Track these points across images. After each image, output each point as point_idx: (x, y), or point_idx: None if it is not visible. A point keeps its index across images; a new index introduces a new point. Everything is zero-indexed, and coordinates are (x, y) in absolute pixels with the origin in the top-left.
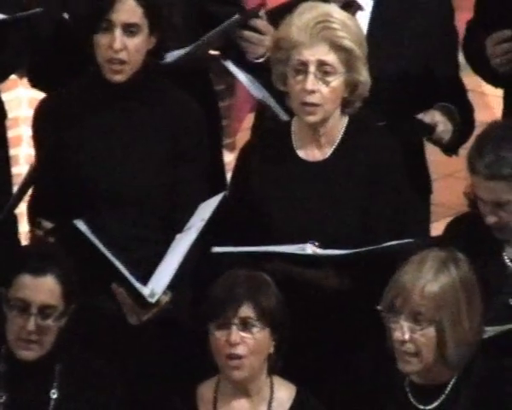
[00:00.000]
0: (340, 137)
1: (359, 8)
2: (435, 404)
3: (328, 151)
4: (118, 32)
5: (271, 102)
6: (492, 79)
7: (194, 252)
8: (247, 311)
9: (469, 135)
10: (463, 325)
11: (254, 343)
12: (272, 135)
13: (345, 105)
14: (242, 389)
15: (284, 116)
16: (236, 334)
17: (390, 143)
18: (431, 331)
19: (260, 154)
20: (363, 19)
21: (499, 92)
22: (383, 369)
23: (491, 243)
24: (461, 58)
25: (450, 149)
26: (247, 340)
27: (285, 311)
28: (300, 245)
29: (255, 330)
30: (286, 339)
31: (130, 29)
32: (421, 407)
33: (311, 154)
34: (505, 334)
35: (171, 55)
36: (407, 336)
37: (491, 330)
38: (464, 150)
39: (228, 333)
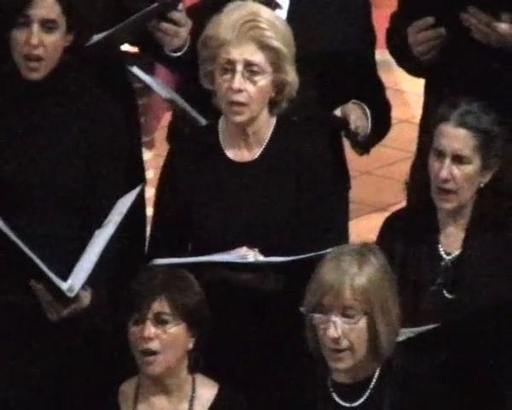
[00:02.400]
0: (269, 137)
1: (278, 6)
2: (361, 401)
3: (256, 152)
4: (35, 28)
5: (184, 104)
6: (416, 69)
7: (113, 246)
8: (161, 306)
9: (385, 133)
10: (391, 311)
11: (169, 339)
12: (199, 135)
13: (272, 105)
14: (162, 386)
15: (200, 119)
16: (150, 329)
17: (316, 143)
18: (363, 323)
19: (187, 156)
20: (281, 17)
21: (417, 90)
22: (306, 371)
23: (427, 235)
24: (379, 56)
25: (363, 147)
26: (161, 335)
27: (205, 307)
28: (241, 253)
29: (169, 325)
30: (206, 336)
31: (47, 25)
32: (347, 404)
33: (239, 154)
34: (421, 334)
35: (92, 40)
36: (340, 332)
37: (407, 332)
38: (382, 147)
39: (142, 328)
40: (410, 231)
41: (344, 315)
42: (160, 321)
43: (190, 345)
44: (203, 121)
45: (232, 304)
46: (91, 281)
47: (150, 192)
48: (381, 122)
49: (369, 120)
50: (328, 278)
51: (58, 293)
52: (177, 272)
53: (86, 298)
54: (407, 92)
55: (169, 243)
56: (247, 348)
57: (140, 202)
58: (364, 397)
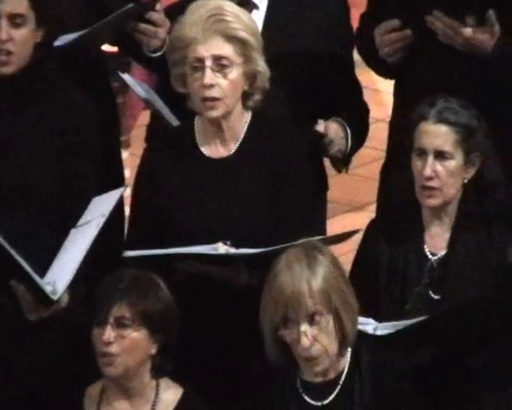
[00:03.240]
0: (244, 132)
1: (254, 6)
2: (331, 398)
3: (232, 147)
4: (3, 23)
5: (160, 105)
6: (383, 70)
7: (94, 247)
8: (121, 310)
9: (364, 139)
10: (350, 300)
11: (128, 343)
12: (175, 134)
13: (245, 98)
14: (124, 390)
15: (173, 121)
16: (109, 332)
17: (292, 139)
18: (331, 323)
19: (164, 154)
20: (259, 18)
21: (392, 89)
22: (274, 373)
23: (412, 236)
24: (356, 55)
25: (342, 164)
26: (120, 339)
27: (171, 315)
28: (212, 245)
29: (129, 330)
30: (171, 342)
31: (15, 20)
32: (318, 403)
33: (215, 150)
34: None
35: (64, 38)
36: (311, 339)
37: (389, 326)
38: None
39: (102, 331)
40: (395, 232)
41: (311, 322)
42: (119, 325)
43: (153, 350)
44: (176, 123)
45: (206, 301)
46: (72, 282)
47: (127, 191)
48: (360, 133)
49: (349, 139)
50: (286, 291)
51: (40, 295)
52: (144, 276)
53: (65, 298)
54: (384, 92)
55: (146, 241)
56: (218, 346)
57: (119, 201)
58: (334, 394)
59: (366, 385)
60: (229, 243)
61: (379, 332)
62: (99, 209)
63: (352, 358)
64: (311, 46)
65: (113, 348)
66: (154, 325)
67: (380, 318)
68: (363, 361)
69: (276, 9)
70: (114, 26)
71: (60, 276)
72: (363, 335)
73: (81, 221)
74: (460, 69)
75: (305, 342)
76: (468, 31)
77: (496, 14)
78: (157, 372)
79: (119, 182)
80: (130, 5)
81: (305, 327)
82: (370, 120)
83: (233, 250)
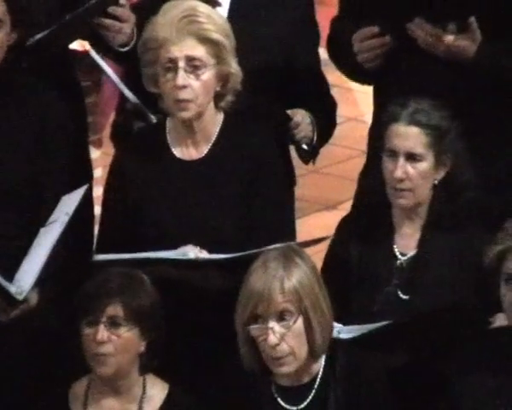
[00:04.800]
0: (217, 134)
1: (217, 4)
2: (306, 402)
3: (204, 149)
4: None
5: (133, 98)
6: (359, 75)
7: (61, 247)
8: (115, 309)
9: (331, 133)
10: (323, 308)
11: (121, 342)
12: (147, 135)
13: (218, 99)
14: (112, 388)
15: (151, 116)
16: (103, 332)
17: (263, 140)
18: (299, 324)
19: (135, 155)
20: (222, 15)
21: (364, 88)
22: (250, 377)
23: (383, 236)
24: (326, 54)
25: (309, 155)
26: (114, 338)
27: (159, 312)
28: (182, 250)
29: (123, 329)
30: (159, 339)
31: None
32: (294, 407)
33: (187, 153)
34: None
35: (35, 38)
36: (279, 338)
37: (360, 329)
38: (331, 145)
39: (95, 331)
40: (365, 231)
41: (280, 320)
42: (113, 325)
43: (142, 348)
44: (153, 119)
45: (181, 303)
46: (38, 281)
47: (99, 191)
48: (327, 127)
49: (315, 130)
50: (258, 286)
51: (6, 295)
52: (132, 274)
53: (33, 298)
54: (355, 90)
55: (117, 242)
56: (196, 348)
57: (88, 200)
58: (309, 399)
59: (341, 390)
60: (198, 247)
61: (343, 336)
62: (65, 208)
63: (326, 362)
64: (274, 42)
65: (107, 348)
66: (145, 323)
67: (349, 318)
68: (339, 365)
69: (238, 6)
70: (80, 22)
71: (25, 276)
72: (338, 339)
73: (49, 220)
74: (440, 75)
75: (272, 338)
76: (449, 37)
77: (476, 20)
78: (144, 369)
79: (87, 180)
80: (93, 0)
81: (273, 324)
82: (342, 119)
83: (202, 255)
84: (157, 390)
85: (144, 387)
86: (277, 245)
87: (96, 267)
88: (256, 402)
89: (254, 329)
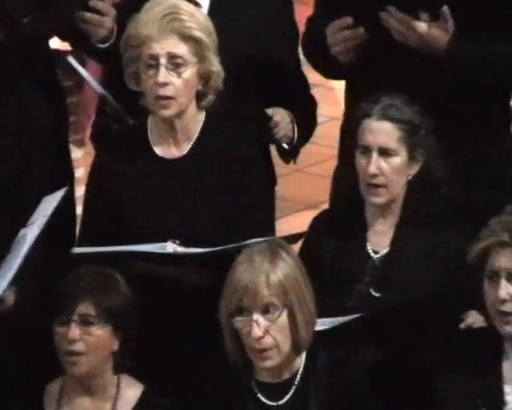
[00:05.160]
0: (198, 132)
1: (197, 4)
2: (286, 398)
3: (185, 148)
4: None
5: (112, 102)
6: (333, 70)
7: (38, 247)
8: (86, 308)
9: (311, 132)
10: (308, 304)
11: (93, 340)
12: (128, 133)
13: (199, 98)
14: (86, 387)
15: (127, 118)
16: (75, 330)
17: (245, 139)
18: (284, 318)
19: (116, 154)
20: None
21: None
22: (230, 371)
23: (356, 233)
24: None
25: (290, 154)
26: (85, 337)
27: (133, 310)
28: (161, 244)
29: (94, 327)
30: (132, 337)
31: None
32: (273, 403)
33: (168, 151)
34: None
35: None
36: (263, 330)
37: (331, 322)
38: (313, 145)
39: (67, 329)
40: (339, 228)
41: (264, 313)
42: (84, 323)
43: (115, 347)
44: (130, 121)
45: (159, 301)
46: (16, 281)
47: (80, 191)
48: (307, 126)
49: (295, 130)
50: (244, 279)
51: None
52: (105, 273)
53: (10, 298)
54: (337, 90)
55: (98, 241)
56: (176, 345)
57: (70, 200)
58: (290, 395)
59: (322, 386)
60: (177, 241)
61: (315, 328)
62: (45, 209)
63: (307, 358)
64: (254, 43)
65: (79, 347)
66: (117, 321)
67: (322, 314)
68: (319, 362)
69: (218, 7)
70: (60, 16)
71: (1, 277)
72: (319, 335)
73: (29, 221)
74: (414, 70)
75: (256, 331)
76: (422, 26)
77: (449, 10)
78: (118, 369)
79: (69, 180)
80: None
81: (257, 316)
82: (324, 119)
83: (180, 249)
84: (131, 390)
85: (118, 387)
86: (261, 239)
87: (76, 262)
88: (236, 398)
89: (239, 321)
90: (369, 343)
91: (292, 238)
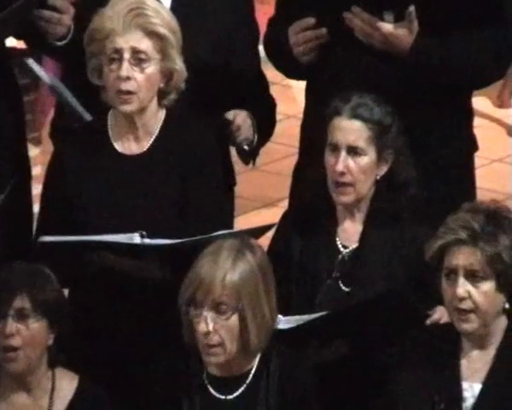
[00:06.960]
0: (158, 129)
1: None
2: (236, 394)
3: (145, 144)
4: None
5: (72, 100)
6: (295, 71)
7: None
8: (22, 301)
9: (271, 132)
10: (263, 310)
11: (30, 334)
12: (88, 129)
13: (161, 97)
14: (22, 383)
15: (86, 115)
16: (11, 325)
17: (204, 138)
18: (234, 320)
19: (75, 150)
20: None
21: (304, 85)
22: (181, 361)
23: (325, 229)
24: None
25: (249, 156)
26: (22, 331)
27: (66, 306)
28: (128, 235)
29: (31, 320)
30: (66, 331)
31: None
32: (222, 397)
33: (128, 147)
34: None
35: None
36: (211, 327)
37: (297, 320)
38: (270, 143)
39: (3, 324)
40: (308, 226)
41: (215, 311)
42: (21, 317)
43: (50, 341)
44: (88, 117)
45: (117, 293)
46: None
47: (38, 189)
48: (267, 127)
49: (255, 132)
50: (202, 272)
51: None
52: (36, 269)
53: None
54: (294, 87)
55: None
56: (126, 339)
57: (26, 198)
58: (240, 391)
59: (273, 386)
60: (144, 233)
61: (281, 326)
62: None
63: (261, 359)
64: (215, 40)
65: (16, 341)
66: (52, 316)
67: (291, 310)
68: (273, 363)
69: (179, 5)
70: (17, 16)
71: None
72: (277, 336)
73: None
74: (375, 67)
75: (203, 327)
76: (387, 26)
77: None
78: (52, 362)
79: (26, 178)
80: None
81: (207, 313)
82: (281, 116)
83: (147, 241)
84: (66, 383)
85: (53, 380)
86: (233, 231)
87: (42, 251)
88: (186, 389)
89: (191, 312)
90: (333, 341)
91: (259, 230)
